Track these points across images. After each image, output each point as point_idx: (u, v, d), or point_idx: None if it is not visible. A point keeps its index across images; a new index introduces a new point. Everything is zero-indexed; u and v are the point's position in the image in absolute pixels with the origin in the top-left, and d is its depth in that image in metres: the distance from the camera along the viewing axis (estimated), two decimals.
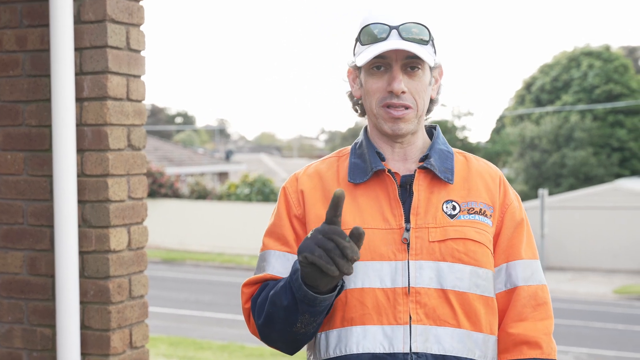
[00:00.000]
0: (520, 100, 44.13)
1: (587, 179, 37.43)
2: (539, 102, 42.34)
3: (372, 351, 1.94)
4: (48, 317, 3.26)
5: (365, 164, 2.06)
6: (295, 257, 2.01)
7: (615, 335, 14.47)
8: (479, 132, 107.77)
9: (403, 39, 1.97)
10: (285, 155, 69.49)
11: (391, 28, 1.98)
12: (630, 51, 50.07)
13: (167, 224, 24.61)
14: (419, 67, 2.00)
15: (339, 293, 1.91)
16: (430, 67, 2.04)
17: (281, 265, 2.03)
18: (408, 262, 1.96)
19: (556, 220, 25.28)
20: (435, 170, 2.03)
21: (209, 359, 9.96)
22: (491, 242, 2.03)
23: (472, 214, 2.01)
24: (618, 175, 37.86)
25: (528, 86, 43.79)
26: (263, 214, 23.78)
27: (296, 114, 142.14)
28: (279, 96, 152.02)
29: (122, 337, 3.22)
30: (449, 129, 32.65)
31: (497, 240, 2.05)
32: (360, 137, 2.14)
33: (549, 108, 40.59)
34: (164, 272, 19.64)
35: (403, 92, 1.99)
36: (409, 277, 1.95)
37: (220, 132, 68.86)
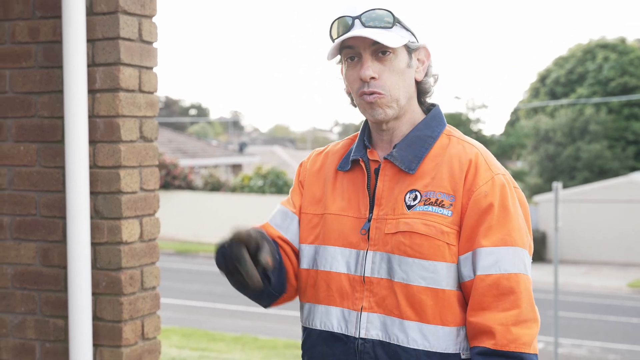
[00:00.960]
0: (535, 92, 43.92)
1: (601, 172, 37.24)
2: (553, 95, 42.13)
3: (331, 330, 2.08)
4: (61, 308, 3.27)
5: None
6: (294, 216, 2.23)
7: (629, 329, 14.42)
8: (494, 124, 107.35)
9: (365, 26, 2.00)
10: (299, 148, 69.47)
11: (353, 18, 2.02)
12: None
13: (181, 216, 24.68)
14: (390, 51, 2.02)
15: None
16: (408, 50, 2.05)
17: (280, 218, 2.25)
18: (367, 251, 2.04)
19: (570, 214, 25.20)
20: (396, 162, 2.04)
21: (222, 350, 9.97)
22: (447, 233, 1.98)
23: (427, 204, 2.00)
24: (633, 169, 37.62)
25: (543, 79, 43.57)
26: (276, 206, 23.78)
27: (310, 107, 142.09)
28: (292, 89, 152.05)
29: (134, 329, 3.23)
30: (463, 122, 32.56)
31: (462, 228, 1.99)
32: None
33: (564, 101, 40.39)
34: (177, 264, 19.71)
35: (373, 78, 2.02)
36: (364, 267, 2.04)
37: (234, 124, 68.96)
